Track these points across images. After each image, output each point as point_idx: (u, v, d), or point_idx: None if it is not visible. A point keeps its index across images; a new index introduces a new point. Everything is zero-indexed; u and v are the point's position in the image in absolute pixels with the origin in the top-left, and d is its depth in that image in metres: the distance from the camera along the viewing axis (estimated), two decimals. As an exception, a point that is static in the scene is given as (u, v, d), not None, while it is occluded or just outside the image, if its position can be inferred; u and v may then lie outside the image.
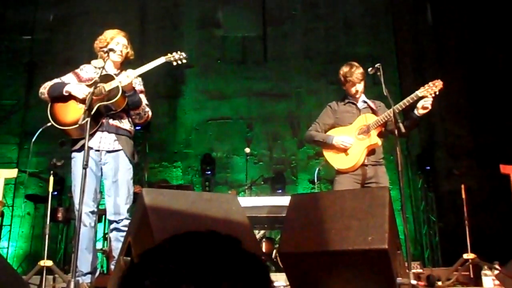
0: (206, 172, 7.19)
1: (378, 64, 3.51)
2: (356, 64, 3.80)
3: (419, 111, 3.50)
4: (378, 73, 3.50)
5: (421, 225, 7.15)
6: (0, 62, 7.71)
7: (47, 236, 4.10)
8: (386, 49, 7.81)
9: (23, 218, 6.88)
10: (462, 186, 4.83)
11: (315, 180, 5.91)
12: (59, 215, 5.88)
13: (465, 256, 4.37)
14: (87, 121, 2.91)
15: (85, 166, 2.85)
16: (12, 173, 4.16)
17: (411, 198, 7.26)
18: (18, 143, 7.39)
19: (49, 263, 3.92)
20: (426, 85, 3.48)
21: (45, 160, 6.25)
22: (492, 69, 7.19)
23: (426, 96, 3.47)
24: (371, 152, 3.67)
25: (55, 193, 5.79)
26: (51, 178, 4.33)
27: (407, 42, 7.87)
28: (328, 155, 3.77)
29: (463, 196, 4.80)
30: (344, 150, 3.67)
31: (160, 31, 7.88)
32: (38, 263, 3.95)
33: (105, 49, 3.28)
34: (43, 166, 6.55)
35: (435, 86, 3.45)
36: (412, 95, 3.49)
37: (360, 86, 3.77)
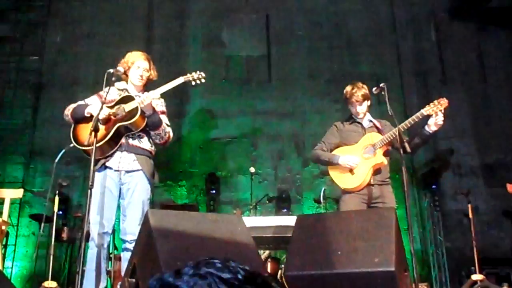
0: (211, 191, 7.16)
1: (382, 84, 3.51)
2: (359, 84, 3.79)
3: (431, 128, 3.49)
4: (383, 93, 3.49)
5: (427, 245, 7.07)
6: (8, 82, 7.78)
7: (51, 257, 4.09)
8: (390, 68, 7.84)
9: (27, 237, 6.86)
10: (469, 205, 4.80)
11: (321, 199, 5.88)
12: (64, 235, 5.86)
13: (473, 277, 4.32)
14: (94, 141, 2.98)
15: (90, 187, 2.92)
16: (18, 193, 4.18)
17: (417, 217, 7.19)
18: (24, 163, 7.41)
19: (53, 284, 3.92)
20: (431, 103, 3.48)
21: (51, 179, 6.26)
22: (497, 87, 7.19)
23: (431, 114, 3.47)
24: (377, 171, 3.66)
25: (60, 212, 5.77)
26: (57, 198, 4.34)
27: (411, 61, 7.91)
28: (334, 174, 3.76)
29: (470, 215, 4.76)
30: (350, 170, 3.66)
31: (166, 51, 7.96)
32: (42, 284, 3.93)
33: (111, 71, 3.31)
34: (48, 186, 6.55)
35: (440, 104, 3.45)
36: (418, 114, 3.48)
37: (360, 108, 3.76)
